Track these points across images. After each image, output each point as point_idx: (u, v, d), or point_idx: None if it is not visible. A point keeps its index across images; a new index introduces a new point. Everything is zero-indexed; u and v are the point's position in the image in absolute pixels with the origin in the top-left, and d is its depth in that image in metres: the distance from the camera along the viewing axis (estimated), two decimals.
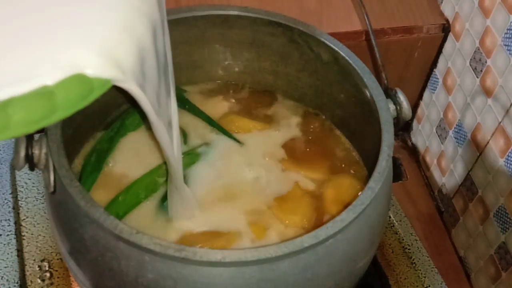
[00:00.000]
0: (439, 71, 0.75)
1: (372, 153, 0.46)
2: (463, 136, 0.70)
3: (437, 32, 0.71)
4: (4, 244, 0.56)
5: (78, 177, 0.49)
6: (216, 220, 0.47)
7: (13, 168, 0.62)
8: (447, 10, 0.71)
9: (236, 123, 0.55)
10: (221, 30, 0.54)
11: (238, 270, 0.38)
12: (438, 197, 0.78)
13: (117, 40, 0.30)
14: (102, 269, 0.40)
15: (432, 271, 0.60)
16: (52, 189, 0.41)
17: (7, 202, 0.59)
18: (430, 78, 0.77)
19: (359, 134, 0.53)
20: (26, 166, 0.41)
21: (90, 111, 0.51)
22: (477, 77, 0.66)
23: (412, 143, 0.84)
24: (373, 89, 0.47)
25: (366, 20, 0.53)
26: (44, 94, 0.27)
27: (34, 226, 0.57)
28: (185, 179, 0.49)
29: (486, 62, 0.64)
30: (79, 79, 0.28)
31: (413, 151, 0.83)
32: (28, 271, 0.54)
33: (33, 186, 0.60)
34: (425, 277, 0.59)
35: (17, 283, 0.54)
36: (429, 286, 0.59)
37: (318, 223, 0.49)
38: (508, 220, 0.63)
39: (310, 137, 0.55)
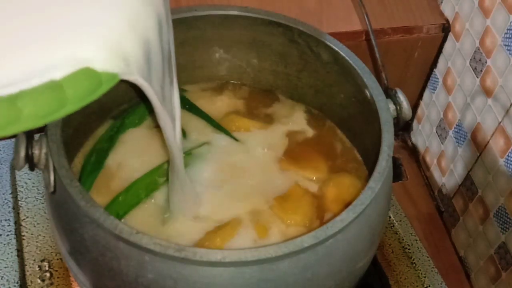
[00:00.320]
0: (439, 71, 0.75)
1: (372, 153, 0.46)
2: (463, 136, 0.70)
3: (437, 32, 0.71)
4: (4, 244, 0.56)
5: (78, 176, 0.49)
6: (217, 220, 0.47)
7: (13, 168, 0.62)
8: (447, 10, 0.71)
9: (236, 122, 0.55)
10: (221, 30, 0.54)
11: (238, 270, 0.38)
12: (438, 197, 0.78)
13: (124, 34, 0.30)
14: (102, 269, 0.40)
15: (432, 271, 0.60)
16: (52, 189, 0.41)
17: (7, 202, 0.59)
18: (430, 78, 0.77)
19: (359, 134, 0.53)
20: (26, 166, 0.41)
21: (90, 111, 0.51)
22: (477, 77, 0.66)
23: (412, 143, 0.84)
24: (373, 89, 0.47)
25: (366, 20, 0.53)
26: (53, 88, 0.27)
27: (34, 226, 0.57)
28: None
29: (486, 62, 0.64)
30: (88, 73, 0.28)
31: (413, 151, 0.83)
32: (28, 271, 0.54)
33: (33, 186, 0.60)
34: (425, 277, 0.59)
35: (17, 283, 0.54)
36: (429, 286, 0.59)
37: (319, 223, 0.49)
38: (508, 220, 0.63)
39: (310, 137, 0.55)
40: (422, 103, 0.80)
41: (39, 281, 0.54)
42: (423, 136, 0.81)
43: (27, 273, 0.54)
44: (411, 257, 0.61)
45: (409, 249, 0.61)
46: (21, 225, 0.57)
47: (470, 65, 0.67)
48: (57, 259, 0.55)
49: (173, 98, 0.40)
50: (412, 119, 0.83)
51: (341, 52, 0.50)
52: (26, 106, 0.26)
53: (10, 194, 0.60)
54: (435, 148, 0.77)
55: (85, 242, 0.40)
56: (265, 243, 0.46)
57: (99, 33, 0.29)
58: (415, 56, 0.73)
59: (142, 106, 0.54)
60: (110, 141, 0.52)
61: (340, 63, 0.51)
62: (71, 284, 0.54)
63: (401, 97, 0.47)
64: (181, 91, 0.56)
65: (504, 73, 0.61)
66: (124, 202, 0.48)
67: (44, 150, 0.41)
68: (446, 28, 0.71)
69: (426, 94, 0.79)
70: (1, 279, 0.54)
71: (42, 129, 0.42)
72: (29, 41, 0.28)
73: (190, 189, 0.47)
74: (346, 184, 0.51)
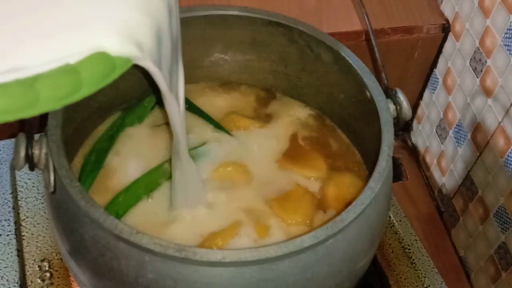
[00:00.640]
0: (439, 71, 0.75)
1: (372, 153, 0.46)
2: (463, 136, 0.70)
3: (437, 32, 0.71)
4: (4, 244, 0.56)
5: (77, 176, 0.49)
6: (217, 219, 0.47)
7: (13, 168, 0.62)
8: (447, 10, 0.71)
9: (236, 122, 0.55)
10: (221, 30, 0.54)
11: (238, 270, 0.38)
12: (438, 197, 0.78)
13: (138, 20, 0.32)
14: (102, 269, 0.40)
15: (432, 271, 0.60)
16: (52, 189, 0.41)
17: (7, 202, 0.59)
18: (430, 78, 0.77)
19: (359, 134, 0.53)
20: (26, 166, 0.41)
21: (90, 111, 0.51)
22: (477, 77, 0.66)
23: (412, 143, 0.84)
24: (373, 89, 0.47)
25: (366, 20, 0.53)
26: (68, 71, 0.28)
27: (34, 226, 0.57)
28: None
29: (486, 62, 0.64)
30: (102, 58, 0.29)
31: (413, 151, 0.83)
32: (28, 271, 0.54)
33: (33, 186, 0.60)
34: (425, 277, 0.59)
35: (17, 283, 0.54)
36: (429, 286, 0.59)
37: (319, 222, 0.49)
38: (508, 220, 0.63)
39: (310, 136, 0.55)
40: (422, 103, 0.80)
41: (39, 281, 0.54)
42: (423, 136, 0.81)
43: (27, 273, 0.54)
44: (411, 257, 0.60)
45: (409, 249, 0.61)
46: (21, 225, 0.57)
47: (470, 65, 0.67)
48: (57, 259, 0.55)
49: (179, 83, 0.41)
50: (412, 119, 0.83)
51: (341, 52, 0.50)
52: (43, 88, 0.27)
53: (10, 194, 0.60)
54: (435, 148, 0.77)
55: (85, 242, 0.40)
56: (265, 243, 0.46)
57: (113, 19, 0.31)
58: (415, 56, 0.73)
59: (142, 105, 0.54)
60: (109, 140, 0.52)
61: (340, 63, 0.51)
62: (71, 284, 0.54)
63: (401, 97, 0.47)
64: None
65: (504, 73, 0.61)
66: (124, 202, 0.48)
67: (44, 150, 0.41)
68: (446, 28, 0.71)
69: (426, 94, 0.79)
70: (1, 279, 0.54)
71: (42, 129, 0.43)
72: (44, 27, 0.29)
73: (194, 176, 0.47)
74: (346, 183, 0.51)
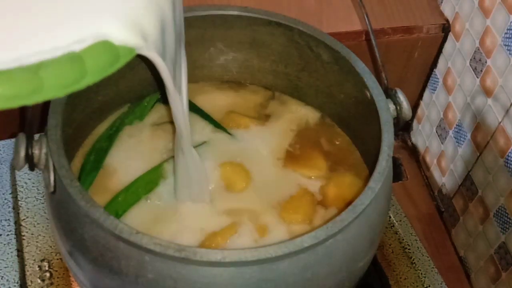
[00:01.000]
0: (439, 71, 0.75)
1: (372, 153, 0.46)
2: (463, 136, 0.70)
3: (437, 32, 0.71)
4: (4, 244, 0.56)
5: (77, 176, 0.49)
6: (217, 218, 0.47)
7: (13, 168, 0.62)
8: (447, 10, 0.71)
9: (236, 121, 0.55)
10: (221, 30, 0.54)
11: (238, 270, 0.38)
12: (438, 197, 0.78)
13: (142, 10, 0.32)
14: (102, 269, 0.40)
15: (432, 271, 0.60)
16: (52, 189, 0.41)
17: (7, 202, 0.59)
18: (430, 78, 0.77)
19: (359, 134, 0.54)
20: (26, 166, 0.41)
21: (90, 111, 0.51)
22: (477, 77, 0.66)
23: (412, 143, 0.84)
24: (373, 89, 0.47)
25: (366, 20, 0.53)
26: (73, 59, 0.28)
27: (34, 226, 0.57)
28: None
29: (486, 62, 0.64)
30: (106, 47, 0.29)
31: (413, 151, 0.83)
32: (28, 271, 0.54)
33: (33, 186, 0.60)
34: (425, 277, 0.59)
35: (17, 283, 0.54)
36: (429, 286, 0.59)
37: (320, 222, 0.49)
38: (508, 220, 0.63)
39: (310, 136, 0.55)
40: (422, 103, 0.80)
41: (39, 281, 0.54)
42: (423, 136, 0.81)
43: (27, 273, 0.54)
44: (411, 257, 0.60)
45: (409, 249, 0.61)
46: (21, 225, 0.57)
47: (470, 65, 0.67)
48: (57, 259, 0.55)
49: (181, 74, 0.41)
50: (412, 119, 0.83)
51: (341, 52, 0.50)
52: (47, 76, 0.27)
53: (10, 194, 0.60)
54: (435, 148, 0.77)
55: (85, 242, 0.40)
56: (266, 242, 0.46)
57: (118, 9, 0.31)
58: (415, 56, 0.73)
59: (141, 105, 0.54)
60: (109, 140, 0.52)
61: (340, 63, 0.51)
62: (71, 284, 0.54)
63: (401, 97, 0.47)
64: None
65: (504, 73, 0.61)
66: (124, 202, 0.48)
67: (44, 150, 0.41)
68: (446, 28, 0.71)
69: (426, 94, 0.79)
70: (1, 279, 0.54)
71: (42, 129, 0.42)
72: (49, 15, 0.29)
73: (200, 169, 0.47)
74: (346, 183, 0.51)
